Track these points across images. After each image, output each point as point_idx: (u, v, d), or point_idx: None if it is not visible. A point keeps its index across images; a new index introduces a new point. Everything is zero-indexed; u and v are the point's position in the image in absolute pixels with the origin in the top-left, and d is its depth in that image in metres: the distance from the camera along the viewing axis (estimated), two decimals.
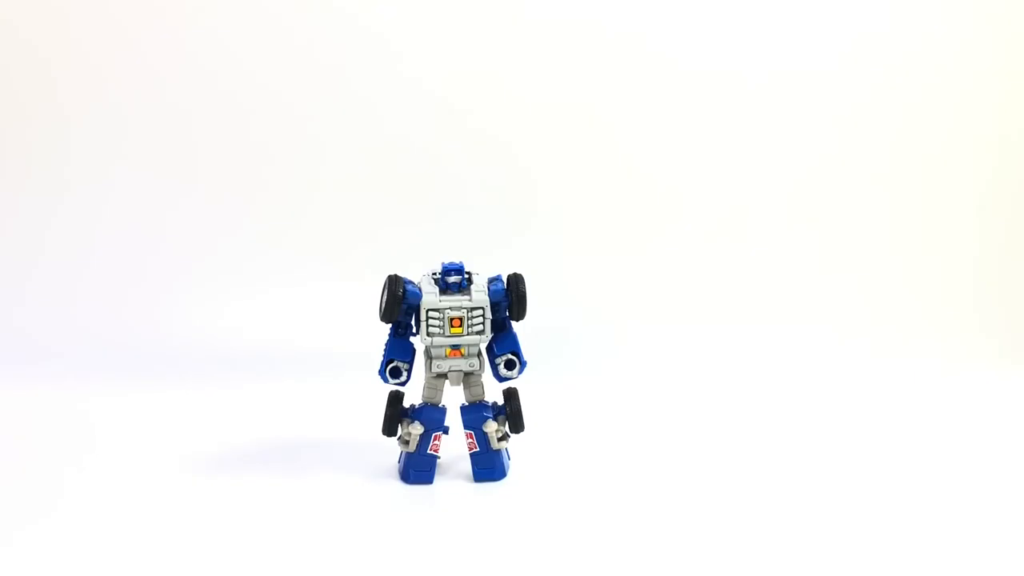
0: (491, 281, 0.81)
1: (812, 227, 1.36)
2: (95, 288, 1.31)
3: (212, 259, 1.33)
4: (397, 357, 0.81)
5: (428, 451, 0.81)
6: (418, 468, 0.81)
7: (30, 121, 1.32)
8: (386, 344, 0.82)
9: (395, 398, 0.82)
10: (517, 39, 1.34)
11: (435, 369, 0.80)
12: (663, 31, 1.34)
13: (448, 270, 0.80)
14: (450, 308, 0.78)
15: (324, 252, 1.33)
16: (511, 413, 0.82)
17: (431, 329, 0.78)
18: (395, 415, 0.82)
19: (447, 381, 0.82)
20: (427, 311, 0.78)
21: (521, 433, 0.83)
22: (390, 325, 0.81)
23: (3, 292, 1.31)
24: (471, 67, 1.34)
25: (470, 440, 0.82)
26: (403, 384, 0.81)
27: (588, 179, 1.35)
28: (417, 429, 0.80)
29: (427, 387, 0.82)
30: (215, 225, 1.33)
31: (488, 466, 0.82)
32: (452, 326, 0.78)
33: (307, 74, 1.33)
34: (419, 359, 0.82)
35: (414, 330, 0.81)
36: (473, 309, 0.78)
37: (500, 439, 0.82)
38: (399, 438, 0.82)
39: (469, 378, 0.82)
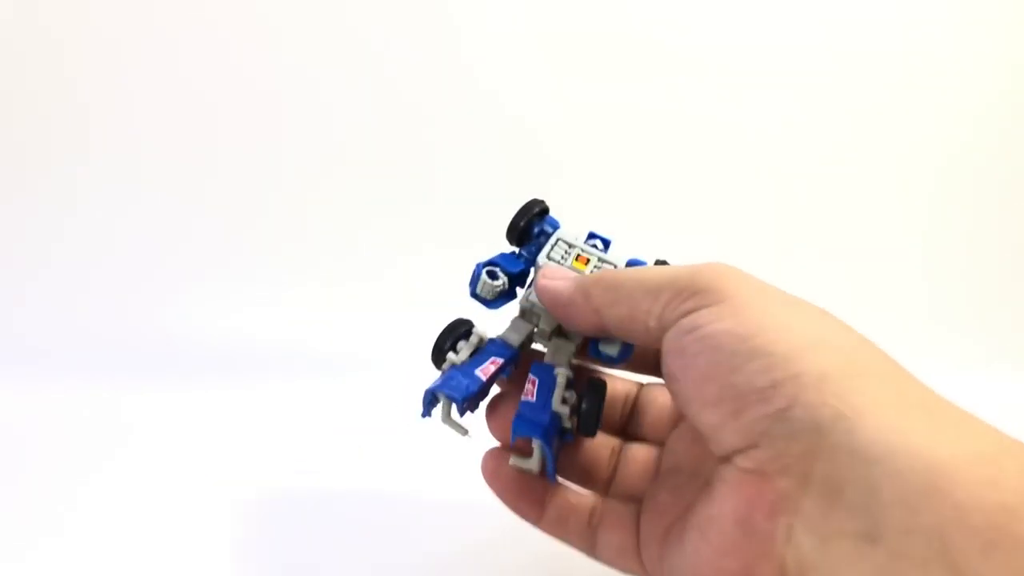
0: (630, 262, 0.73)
1: (812, 227, 1.36)
2: (97, 289, 1.31)
3: (212, 259, 1.33)
4: (502, 263, 0.70)
5: (476, 371, 0.63)
6: (453, 380, 0.62)
7: (30, 123, 1.32)
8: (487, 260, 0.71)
9: (460, 322, 0.68)
10: (516, 39, 1.34)
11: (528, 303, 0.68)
12: (664, 28, 1.34)
13: (593, 236, 0.74)
14: (583, 250, 0.71)
15: (323, 252, 1.33)
16: (586, 410, 0.63)
17: (552, 252, 0.70)
18: (454, 333, 0.66)
19: (535, 330, 0.69)
20: (558, 239, 0.71)
21: (590, 437, 0.64)
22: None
23: (5, 292, 1.31)
24: (470, 67, 1.34)
25: (530, 387, 0.64)
26: (496, 294, 0.69)
27: (588, 179, 1.35)
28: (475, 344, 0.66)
29: (510, 328, 0.69)
30: (217, 226, 1.33)
31: (534, 420, 0.62)
32: (577, 260, 0.70)
33: (306, 74, 1.33)
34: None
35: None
36: (605, 262, 0.70)
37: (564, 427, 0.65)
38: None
39: (560, 340, 0.68)
